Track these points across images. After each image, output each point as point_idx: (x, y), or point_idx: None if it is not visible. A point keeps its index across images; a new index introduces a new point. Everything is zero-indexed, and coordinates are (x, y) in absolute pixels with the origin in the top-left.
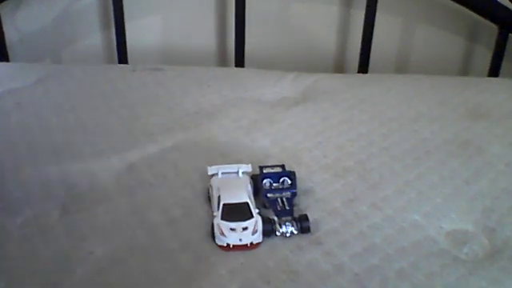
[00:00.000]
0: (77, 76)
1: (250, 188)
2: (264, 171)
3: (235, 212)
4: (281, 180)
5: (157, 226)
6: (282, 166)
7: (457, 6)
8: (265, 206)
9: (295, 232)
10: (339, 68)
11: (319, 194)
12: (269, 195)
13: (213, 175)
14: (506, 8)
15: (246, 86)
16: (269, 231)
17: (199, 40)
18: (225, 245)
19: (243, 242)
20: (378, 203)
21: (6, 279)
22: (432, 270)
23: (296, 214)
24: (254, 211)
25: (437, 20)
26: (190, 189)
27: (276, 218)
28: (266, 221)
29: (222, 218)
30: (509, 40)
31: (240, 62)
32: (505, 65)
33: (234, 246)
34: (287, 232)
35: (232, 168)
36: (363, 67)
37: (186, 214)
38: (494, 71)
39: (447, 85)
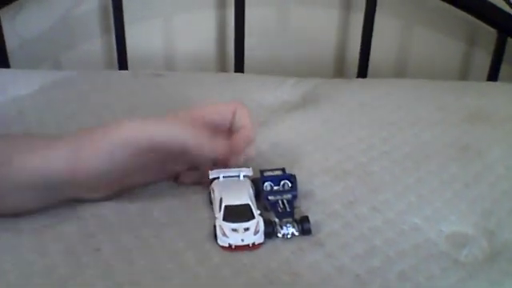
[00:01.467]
0: (78, 83)
1: (251, 191)
2: (265, 174)
3: (237, 213)
4: (281, 183)
5: (162, 226)
6: (283, 170)
7: (455, 10)
8: (266, 209)
9: (296, 233)
10: (338, 72)
11: (320, 197)
12: (270, 197)
13: (214, 179)
14: (505, 12)
15: (246, 91)
16: (270, 233)
17: (198, 45)
18: (227, 245)
19: (245, 243)
20: (379, 206)
21: (17, 274)
22: (432, 272)
23: (297, 216)
24: (256, 212)
25: (435, 24)
26: (192, 191)
27: (277, 220)
28: (268, 223)
29: (224, 219)
30: (508, 44)
31: (239, 67)
32: (504, 68)
33: (236, 246)
34: (288, 233)
35: (233, 172)
36: (362, 72)
37: (190, 216)
38: (493, 75)
39: (447, 89)
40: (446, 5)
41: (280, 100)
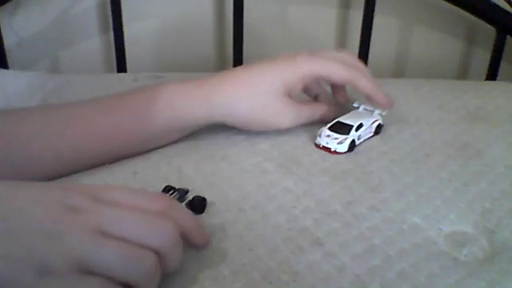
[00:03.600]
0: (78, 86)
1: (372, 125)
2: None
3: (340, 128)
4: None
5: None
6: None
7: (455, 8)
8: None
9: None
10: None
11: (319, 196)
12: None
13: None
14: (504, 10)
15: None
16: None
17: (197, 46)
18: (318, 143)
19: (329, 146)
20: (378, 205)
21: None
22: (432, 271)
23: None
24: (353, 132)
25: (434, 23)
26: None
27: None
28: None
29: (329, 128)
30: (507, 42)
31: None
32: (503, 67)
33: (323, 146)
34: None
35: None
36: None
37: None
38: (493, 73)
39: (446, 89)
40: (445, 3)
41: None
